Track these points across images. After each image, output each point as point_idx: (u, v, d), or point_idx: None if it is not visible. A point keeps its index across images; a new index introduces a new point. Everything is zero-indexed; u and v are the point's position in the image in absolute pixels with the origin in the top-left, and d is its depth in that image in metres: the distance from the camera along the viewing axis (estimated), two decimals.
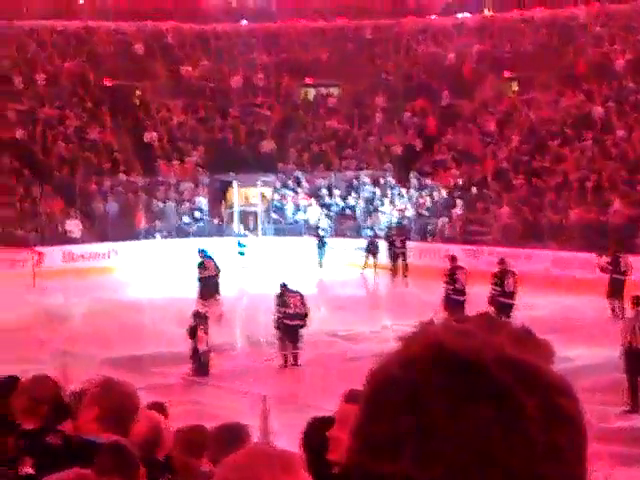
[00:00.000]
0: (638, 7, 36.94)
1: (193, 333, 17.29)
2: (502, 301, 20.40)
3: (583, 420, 1.03)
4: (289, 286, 19.01)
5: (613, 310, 22.47)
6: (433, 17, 41.72)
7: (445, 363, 0.99)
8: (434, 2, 42.14)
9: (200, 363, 17.31)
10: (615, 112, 33.31)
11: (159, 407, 5.75)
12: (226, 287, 24.36)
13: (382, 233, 32.06)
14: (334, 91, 40.67)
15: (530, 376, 1.00)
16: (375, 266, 30.99)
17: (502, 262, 21.43)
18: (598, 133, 32.64)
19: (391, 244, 30.94)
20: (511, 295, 20.70)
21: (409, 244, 31.04)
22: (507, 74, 38.57)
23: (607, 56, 36.20)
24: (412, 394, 0.99)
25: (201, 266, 23.91)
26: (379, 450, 0.99)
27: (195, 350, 17.26)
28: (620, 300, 22.50)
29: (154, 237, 33.70)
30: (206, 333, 17.39)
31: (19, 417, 4.81)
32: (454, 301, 20.83)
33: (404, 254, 30.77)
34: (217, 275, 23.80)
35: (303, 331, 18.57)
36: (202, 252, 24.33)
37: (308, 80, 40.79)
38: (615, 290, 22.79)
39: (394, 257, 30.80)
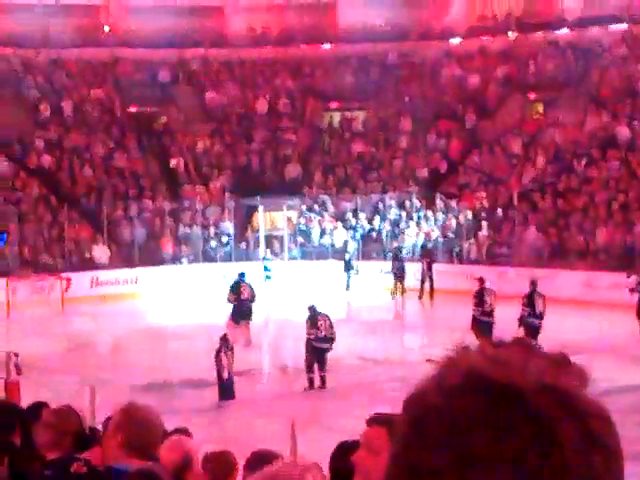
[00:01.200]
0: None
1: (217, 357, 17.21)
2: (532, 322, 20.38)
3: (619, 445, 1.02)
4: (318, 309, 18.92)
5: None
6: (457, 40, 41.72)
7: (483, 392, 0.99)
8: (458, 26, 42.16)
9: (225, 387, 17.24)
10: None
11: (183, 432, 5.72)
12: (253, 311, 24.31)
13: (405, 255, 32.08)
14: (359, 115, 40.74)
15: (568, 403, 1.00)
16: (402, 289, 30.93)
17: (533, 283, 21.39)
18: (624, 153, 32.49)
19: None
20: (540, 316, 20.66)
21: (435, 267, 30.95)
22: (532, 96, 38.48)
23: (632, 77, 36.06)
24: (451, 423, 0.98)
25: (235, 287, 23.68)
26: (419, 477, 0.99)
27: (219, 374, 17.19)
28: None
29: (181, 262, 33.81)
30: (229, 358, 17.24)
31: (43, 449, 4.79)
32: (483, 323, 20.77)
33: (431, 277, 30.70)
34: (251, 300, 23.61)
35: (328, 355, 18.47)
36: (241, 275, 24.21)
37: (333, 104, 40.90)
38: None
39: (421, 280, 30.74)
